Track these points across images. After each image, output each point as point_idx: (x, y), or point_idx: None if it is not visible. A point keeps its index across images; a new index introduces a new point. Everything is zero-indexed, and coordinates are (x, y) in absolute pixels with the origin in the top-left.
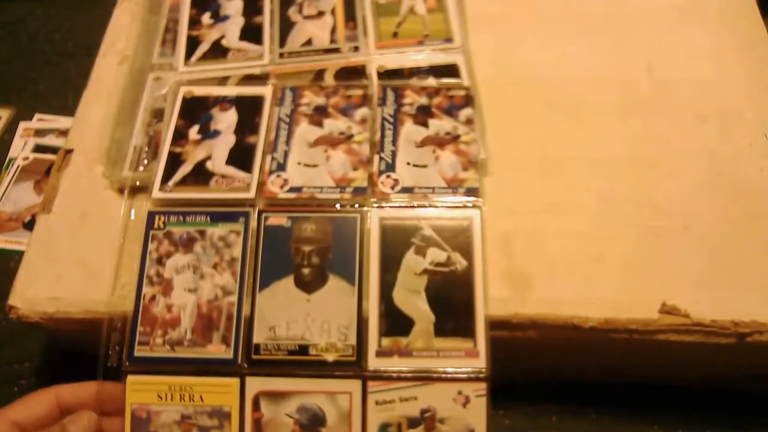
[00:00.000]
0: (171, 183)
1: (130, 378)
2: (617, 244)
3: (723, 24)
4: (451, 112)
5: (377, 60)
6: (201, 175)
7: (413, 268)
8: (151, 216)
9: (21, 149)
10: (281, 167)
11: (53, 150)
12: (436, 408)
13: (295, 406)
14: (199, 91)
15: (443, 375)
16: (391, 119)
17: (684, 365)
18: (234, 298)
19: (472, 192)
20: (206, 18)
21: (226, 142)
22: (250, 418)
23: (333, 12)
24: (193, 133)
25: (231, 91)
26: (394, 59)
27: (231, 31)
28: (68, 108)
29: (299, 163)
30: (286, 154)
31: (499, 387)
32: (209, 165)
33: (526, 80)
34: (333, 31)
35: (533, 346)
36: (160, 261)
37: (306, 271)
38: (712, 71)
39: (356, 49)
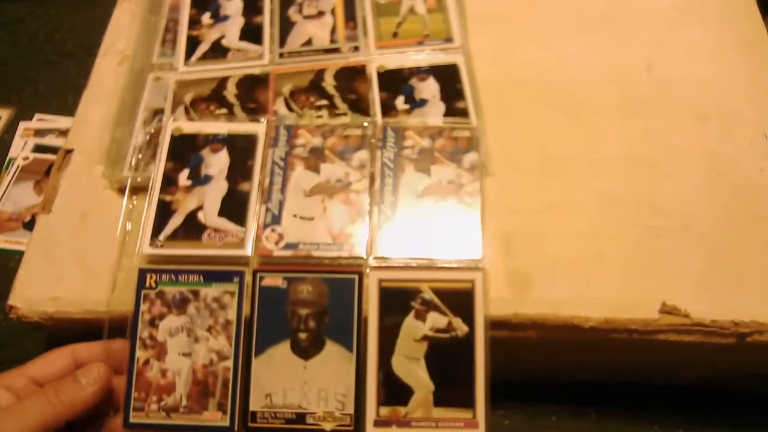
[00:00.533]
0: (162, 237)
1: None
2: (617, 244)
3: (723, 24)
4: (455, 157)
5: (377, 60)
6: (193, 228)
7: (413, 333)
8: (142, 274)
9: (21, 149)
10: (276, 220)
11: (53, 150)
12: None
13: None
14: (189, 128)
15: None
16: (391, 164)
17: (684, 365)
18: (230, 363)
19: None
20: (206, 18)
21: (218, 189)
22: None
23: (333, 12)
24: (183, 178)
25: (222, 128)
26: (394, 59)
27: (231, 31)
28: (68, 108)
29: (295, 216)
30: (281, 204)
31: (499, 387)
32: (201, 216)
33: (526, 80)
34: (333, 31)
35: (533, 346)
36: (152, 323)
37: (303, 336)
38: (712, 71)
39: (356, 49)
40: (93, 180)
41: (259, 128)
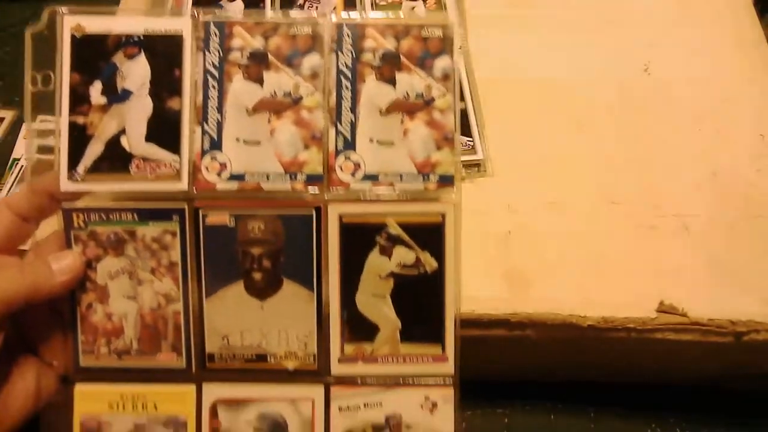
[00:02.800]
0: (81, 169)
1: (78, 387)
2: (615, 244)
3: (720, 25)
4: (424, 62)
5: None
6: (117, 157)
7: (378, 270)
8: (67, 214)
9: (24, 150)
10: (216, 145)
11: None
12: (401, 414)
13: (254, 414)
14: (92, 25)
15: (409, 380)
16: (348, 73)
17: (682, 364)
18: (179, 307)
19: (446, 180)
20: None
21: (141, 107)
22: (208, 427)
23: (333, 13)
24: (96, 94)
25: (136, 26)
26: None
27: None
28: None
29: (238, 140)
30: (220, 125)
31: (497, 386)
32: (125, 143)
33: (526, 80)
34: None
35: (532, 345)
36: (90, 265)
37: (257, 276)
38: (710, 72)
39: None
40: None
41: (182, 25)
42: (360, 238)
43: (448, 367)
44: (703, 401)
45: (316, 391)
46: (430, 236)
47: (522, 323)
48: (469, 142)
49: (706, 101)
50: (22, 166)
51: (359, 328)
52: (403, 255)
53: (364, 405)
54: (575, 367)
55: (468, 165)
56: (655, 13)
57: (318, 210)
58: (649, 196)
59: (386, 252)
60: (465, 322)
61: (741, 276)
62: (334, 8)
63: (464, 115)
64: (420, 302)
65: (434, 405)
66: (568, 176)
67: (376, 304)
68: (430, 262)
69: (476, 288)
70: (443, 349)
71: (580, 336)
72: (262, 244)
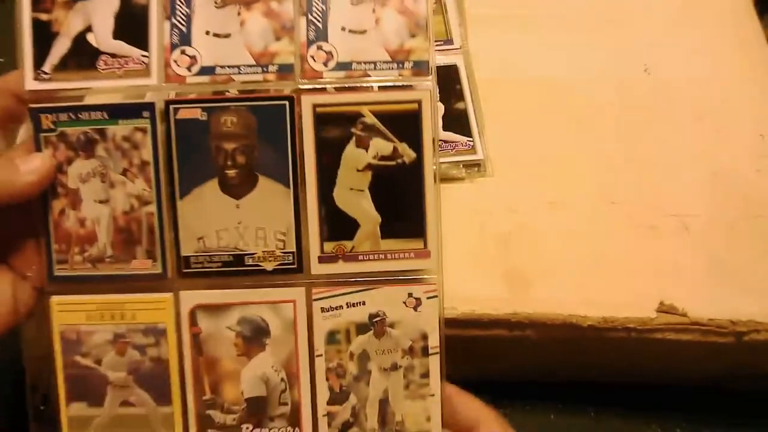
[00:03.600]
0: (47, 67)
1: (55, 299)
2: (616, 244)
3: (720, 24)
4: None
5: None
6: (84, 54)
7: (355, 163)
8: (34, 115)
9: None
10: (185, 39)
11: None
12: (385, 312)
13: (235, 319)
14: None
15: (392, 277)
16: None
17: (682, 364)
18: (153, 208)
19: (421, 67)
20: None
21: (107, 3)
22: (188, 333)
23: None
24: None
25: None
26: None
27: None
28: None
29: (207, 33)
30: (188, 18)
31: (497, 386)
32: (92, 39)
33: (526, 80)
34: None
35: (532, 345)
36: (60, 169)
37: (231, 173)
38: (710, 71)
39: None
40: None
41: None
42: (335, 130)
43: (431, 261)
44: (703, 401)
45: (297, 293)
46: (406, 126)
47: (522, 323)
48: (469, 142)
49: (706, 101)
50: None
51: (338, 225)
52: (381, 146)
53: (347, 305)
54: (575, 367)
55: (468, 165)
56: (655, 13)
57: (291, 101)
58: (649, 196)
59: (363, 143)
60: (465, 322)
61: (741, 276)
62: None
63: (464, 115)
64: (400, 195)
65: (418, 301)
66: (568, 176)
67: (355, 198)
68: (408, 153)
69: (476, 288)
70: (425, 243)
71: (580, 336)
72: (235, 138)
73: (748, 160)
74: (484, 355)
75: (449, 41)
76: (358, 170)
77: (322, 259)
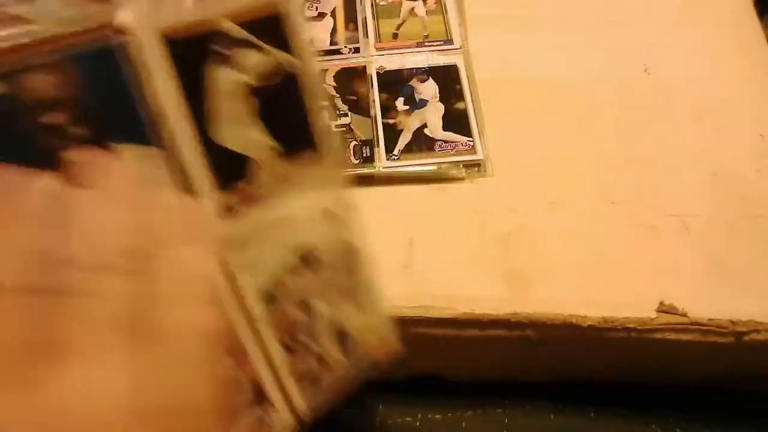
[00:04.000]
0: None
1: None
2: (615, 244)
3: (720, 24)
4: None
5: (377, 61)
6: None
7: (228, 88)
8: None
9: None
10: None
11: None
12: (313, 243)
13: None
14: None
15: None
16: None
17: (682, 364)
18: None
19: None
20: None
21: None
22: None
23: (333, 13)
24: None
25: None
26: (394, 60)
27: None
28: None
29: None
30: None
31: (497, 385)
32: None
33: (526, 80)
34: (333, 32)
35: (532, 345)
36: None
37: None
38: (710, 71)
39: (356, 50)
40: None
41: None
42: (195, 56)
43: (326, 167)
44: (703, 401)
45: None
46: (273, 29)
47: (522, 323)
48: (469, 142)
49: (706, 101)
50: None
51: (230, 168)
52: (252, 59)
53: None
54: (575, 367)
55: (468, 165)
56: (655, 13)
57: (121, 33)
58: (649, 196)
59: (230, 62)
60: (465, 322)
61: (741, 276)
62: (333, 10)
63: (464, 115)
64: (288, 109)
65: (334, 215)
66: (568, 176)
67: (241, 131)
68: (286, 59)
69: (476, 288)
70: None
71: (580, 336)
72: (62, 106)
73: (748, 160)
74: (484, 355)
75: (449, 41)
76: (235, 96)
77: (224, 217)
